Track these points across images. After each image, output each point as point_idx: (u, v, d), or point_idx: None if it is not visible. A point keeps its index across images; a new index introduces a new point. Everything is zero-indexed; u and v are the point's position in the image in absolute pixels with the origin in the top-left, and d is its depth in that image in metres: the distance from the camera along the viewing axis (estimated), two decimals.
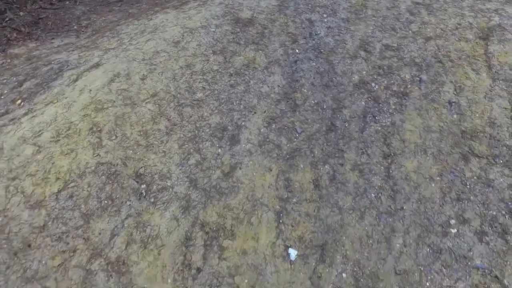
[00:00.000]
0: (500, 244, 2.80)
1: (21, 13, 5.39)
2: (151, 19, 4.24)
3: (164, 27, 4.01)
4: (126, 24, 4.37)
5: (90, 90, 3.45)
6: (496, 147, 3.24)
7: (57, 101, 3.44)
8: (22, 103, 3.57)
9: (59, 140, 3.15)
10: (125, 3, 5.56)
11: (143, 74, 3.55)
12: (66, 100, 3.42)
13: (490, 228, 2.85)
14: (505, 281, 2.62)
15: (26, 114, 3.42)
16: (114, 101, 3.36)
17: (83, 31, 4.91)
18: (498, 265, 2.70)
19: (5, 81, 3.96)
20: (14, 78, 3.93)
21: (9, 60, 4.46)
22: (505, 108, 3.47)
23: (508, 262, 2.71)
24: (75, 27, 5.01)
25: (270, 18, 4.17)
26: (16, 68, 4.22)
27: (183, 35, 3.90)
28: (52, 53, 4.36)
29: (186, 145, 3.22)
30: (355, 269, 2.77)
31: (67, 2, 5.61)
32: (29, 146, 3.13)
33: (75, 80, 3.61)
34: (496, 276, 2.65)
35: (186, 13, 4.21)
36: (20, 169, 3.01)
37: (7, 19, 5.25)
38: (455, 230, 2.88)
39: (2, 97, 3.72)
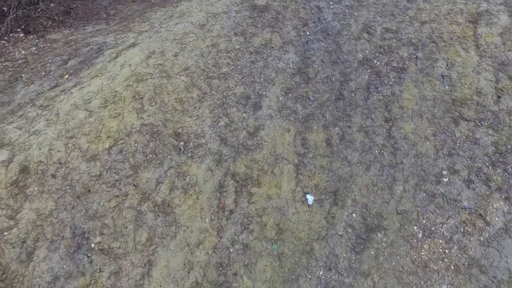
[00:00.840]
0: (484, 189, 3.30)
1: (52, 4, 5.85)
2: (177, 6, 4.71)
3: (190, 13, 4.49)
4: (153, 11, 4.84)
5: (130, 65, 3.92)
6: (482, 112, 3.74)
7: (101, 75, 3.91)
8: (69, 77, 4.04)
9: (107, 106, 3.62)
10: None
11: (175, 52, 4.03)
12: (109, 73, 3.89)
13: (476, 177, 3.35)
14: (488, 218, 3.12)
15: (74, 86, 3.88)
16: (152, 74, 3.84)
17: (111, 19, 5.37)
18: (482, 206, 3.20)
19: (50, 60, 4.43)
20: (59, 58, 4.40)
21: (49, 44, 4.93)
22: (490, 80, 3.97)
23: (490, 203, 3.21)
24: (104, 15, 5.47)
25: (283, 5, 4.66)
26: (57, 50, 4.69)
27: (207, 19, 4.38)
28: (88, 37, 4.83)
29: (216, 110, 3.70)
30: (363, 210, 3.26)
31: None
32: (81, 111, 3.60)
33: (115, 57, 4.08)
34: (480, 214, 3.15)
35: (208, 0, 4.69)
36: (75, 129, 3.49)
37: (39, 9, 5.72)
38: (447, 179, 3.38)
39: (51, 73, 4.20)
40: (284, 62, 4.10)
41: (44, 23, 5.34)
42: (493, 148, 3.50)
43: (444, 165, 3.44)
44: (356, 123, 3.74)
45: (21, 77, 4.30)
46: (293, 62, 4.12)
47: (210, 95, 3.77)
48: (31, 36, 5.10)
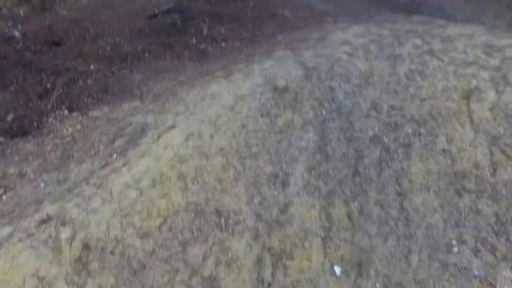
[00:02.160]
0: (491, 258, 3.70)
1: (89, 81, 6.42)
2: (207, 88, 5.25)
3: (220, 95, 5.02)
4: (185, 92, 5.38)
5: (172, 147, 4.39)
6: (481, 184, 4.20)
7: (147, 156, 4.37)
8: (118, 157, 4.50)
9: (155, 185, 4.06)
10: (173, 71, 6.60)
11: (211, 134, 4.52)
12: (154, 154, 4.36)
13: (482, 246, 3.76)
14: (498, 286, 3.51)
15: (123, 165, 4.33)
16: (192, 155, 4.31)
17: (145, 96, 5.91)
18: (491, 274, 3.59)
19: (97, 139, 4.91)
20: (105, 137, 4.88)
21: (92, 122, 5.43)
22: (486, 154, 4.45)
23: (498, 272, 3.60)
24: (138, 92, 6.02)
25: (300, 86, 5.21)
26: (101, 128, 5.17)
27: (236, 101, 4.91)
28: (127, 115, 5.33)
29: (250, 189, 4.14)
30: (385, 280, 3.64)
31: (125, 71, 6.66)
32: (133, 190, 4.03)
33: (158, 139, 4.56)
34: (491, 283, 3.53)
35: (235, 83, 5.24)
36: (129, 208, 3.90)
37: (77, 86, 6.28)
38: (457, 249, 3.78)
39: (100, 152, 4.66)
40: (305, 141, 4.59)
41: (85, 100, 5.86)
42: (495, 218, 3.93)
43: (453, 235, 3.86)
44: (372, 197, 4.18)
45: (73, 155, 4.76)
46: (313, 141, 4.61)
47: (244, 174, 4.23)
48: (75, 114, 5.61)
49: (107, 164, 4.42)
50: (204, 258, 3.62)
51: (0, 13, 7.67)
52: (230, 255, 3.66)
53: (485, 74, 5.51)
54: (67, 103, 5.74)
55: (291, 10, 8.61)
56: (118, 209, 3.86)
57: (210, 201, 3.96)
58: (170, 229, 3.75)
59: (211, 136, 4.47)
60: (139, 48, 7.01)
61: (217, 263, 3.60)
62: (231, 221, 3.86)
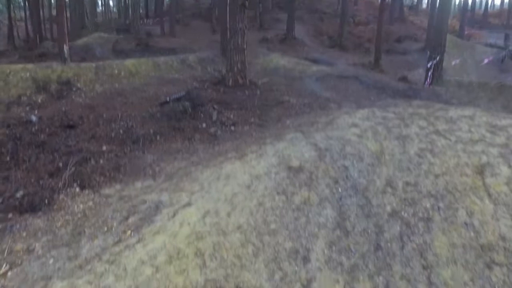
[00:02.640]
0: None
1: (101, 161, 6.72)
2: (221, 168, 5.53)
3: (235, 175, 5.28)
4: (199, 171, 5.65)
5: (189, 224, 4.50)
6: (511, 257, 4.25)
7: (163, 232, 4.46)
8: (132, 234, 4.58)
9: (172, 262, 4.07)
10: (184, 152, 6.97)
11: (228, 211, 4.67)
12: (170, 231, 4.45)
13: None
14: None
15: (138, 242, 4.39)
16: (210, 232, 4.40)
17: (157, 176, 6.16)
18: None
19: (110, 216, 5.02)
20: (118, 214, 4.99)
21: (104, 199, 5.59)
22: (510, 226, 4.57)
23: None
24: (150, 172, 6.28)
25: (314, 166, 5.50)
26: (113, 206, 5.31)
27: (251, 181, 5.15)
28: (140, 193, 5.52)
29: (271, 264, 4.16)
30: None
31: (137, 152, 7.01)
32: (148, 267, 4.04)
33: (173, 216, 4.68)
34: None
35: (249, 163, 5.54)
36: (144, 285, 3.87)
37: (89, 165, 6.54)
38: None
39: (113, 229, 4.74)
40: (324, 218, 4.72)
41: (97, 179, 6.08)
42: None
43: None
44: (397, 271, 4.18)
45: (84, 231, 4.82)
46: (331, 217, 4.74)
47: (263, 250, 4.27)
48: (87, 191, 5.79)
49: (120, 240, 4.48)
50: None
51: (20, 100, 8.30)
52: None
53: (494, 151, 5.87)
54: (78, 181, 5.97)
55: (296, 97, 9.36)
56: (133, 286, 3.83)
57: (229, 278, 3.96)
58: None
59: (228, 214, 4.61)
60: (151, 131, 7.48)
61: None
62: None
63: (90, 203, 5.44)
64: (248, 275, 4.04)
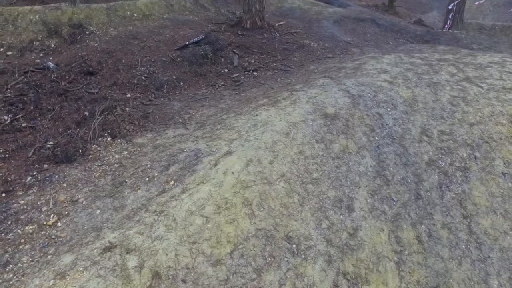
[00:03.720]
0: None
1: (127, 109, 6.56)
2: (256, 115, 5.41)
3: (272, 122, 5.17)
4: (233, 119, 5.53)
5: (233, 173, 4.47)
6: None
7: (207, 182, 4.44)
8: (175, 184, 4.56)
9: (221, 212, 4.10)
10: (211, 99, 6.80)
11: (270, 159, 4.62)
12: (214, 180, 4.43)
13: None
14: None
15: (183, 192, 4.39)
16: (255, 181, 4.39)
17: (187, 123, 6.04)
18: None
19: (149, 166, 4.98)
20: (157, 164, 4.95)
21: (138, 148, 5.51)
22: None
23: None
24: (180, 120, 6.16)
25: (349, 113, 5.40)
26: (150, 155, 5.25)
27: (289, 128, 5.06)
28: (175, 142, 5.44)
29: (317, 214, 4.20)
30: None
31: (162, 99, 6.83)
32: (198, 217, 4.07)
33: (215, 165, 4.64)
34: None
35: (284, 110, 5.41)
36: (196, 235, 3.92)
37: (116, 113, 6.39)
38: None
39: (155, 179, 4.72)
40: (363, 166, 4.70)
41: (127, 127, 5.96)
42: None
43: None
44: (438, 220, 4.26)
45: (126, 182, 4.80)
46: (371, 166, 4.73)
47: (308, 200, 4.30)
48: (119, 140, 5.69)
49: (164, 191, 4.47)
50: (280, 284, 3.62)
51: (32, 46, 7.91)
52: (306, 281, 3.67)
53: None
54: (109, 130, 5.84)
55: (317, 41, 9.01)
56: (185, 236, 3.88)
57: (278, 227, 4.00)
58: (242, 255, 3.76)
59: (271, 162, 4.57)
60: (174, 77, 7.24)
61: None
62: (302, 247, 3.89)
63: (125, 153, 5.36)
64: (296, 224, 4.09)
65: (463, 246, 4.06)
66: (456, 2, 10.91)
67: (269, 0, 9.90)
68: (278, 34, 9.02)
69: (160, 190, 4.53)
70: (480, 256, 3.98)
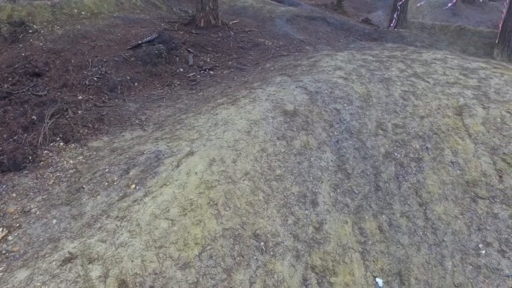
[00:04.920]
0: None
1: (80, 112, 6.24)
2: (216, 114, 5.35)
3: (233, 121, 5.13)
4: (193, 118, 5.43)
5: (196, 173, 4.39)
6: (492, 191, 4.63)
7: (170, 183, 4.32)
8: (136, 187, 4.40)
9: (187, 214, 4.01)
10: (168, 99, 6.64)
11: (233, 158, 4.58)
12: (178, 182, 4.32)
13: (506, 247, 4.11)
14: None
15: (145, 195, 4.24)
16: (219, 180, 4.33)
17: (145, 125, 5.85)
18: None
19: (107, 170, 4.76)
20: (116, 167, 4.74)
21: (94, 152, 5.26)
22: (489, 163, 4.94)
23: None
24: (137, 121, 5.95)
25: (308, 109, 5.48)
26: (107, 159, 5.03)
27: (250, 126, 5.04)
28: (134, 144, 5.24)
29: (282, 210, 4.22)
30: (426, 286, 3.84)
31: (117, 100, 6.57)
32: (163, 221, 3.95)
33: (178, 166, 4.53)
34: None
35: (244, 108, 5.39)
36: (162, 239, 3.81)
37: (68, 116, 6.07)
38: (484, 251, 4.10)
39: (115, 183, 4.52)
40: (325, 161, 4.79)
41: (81, 131, 5.67)
42: (510, 221, 4.33)
43: (478, 239, 4.19)
44: (397, 209, 4.44)
45: (83, 188, 4.56)
46: (331, 161, 4.83)
47: (273, 196, 4.31)
48: (72, 145, 5.40)
49: (125, 195, 4.30)
50: (251, 283, 3.61)
51: None
52: (276, 277, 3.68)
53: (469, 93, 6.16)
54: (60, 135, 5.53)
55: (271, 39, 9.06)
56: (151, 241, 3.76)
57: (246, 225, 3.98)
58: (210, 257, 3.70)
59: (234, 161, 4.53)
60: (128, 77, 6.98)
61: (265, 287, 3.59)
62: (270, 244, 3.90)
63: (80, 158, 5.09)
64: (263, 221, 4.09)
65: (421, 232, 4.26)
66: (400, 2, 11.43)
67: None
68: (232, 33, 8.96)
69: (121, 194, 4.35)
70: (435, 241, 4.19)
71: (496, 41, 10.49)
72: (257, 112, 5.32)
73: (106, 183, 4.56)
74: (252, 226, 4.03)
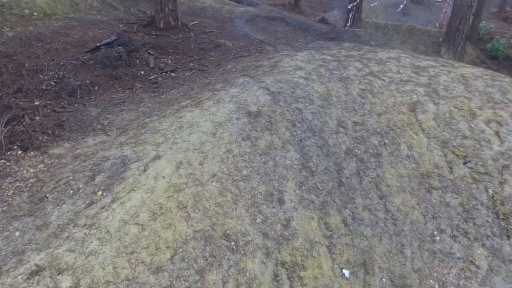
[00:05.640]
0: (466, 241, 4.40)
1: (37, 118, 6.05)
2: (181, 116, 5.37)
3: (198, 123, 5.18)
4: (157, 122, 5.42)
5: (164, 177, 4.41)
6: (444, 181, 4.99)
7: (138, 188, 4.32)
8: (103, 194, 4.35)
9: (156, 218, 4.03)
10: (130, 103, 6.56)
11: (200, 161, 4.64)
12: (146, 186, 4.32)
13: (457, 232, 4.46)
14: (477, 263, 4.18)
15: (113, 201, 4.21)
16: (187, 183, 4.38)
17: (108, 129, 5.77)
18: (470, 254, 4.27)
19: (71, 177, 4.67)
20: (81, 174, 4.66)
21: (56, 160, 5.13)
22: (441, 156, 5.30)
23: (474, 251, 4.30)
24: (99, 126, 5.85)
25: (271, 110, 5.62)
26: (71, 166, 4.92)
27: (216, 128, 5.11)
28: (98, 150, 5.16)
29: (251, 209, 4.34)
30: (389, 274, 4.10)
31: (77, 105, 6.41)
32: (133, 226, 3.95)
33: (145, 170, 4.52)
34: (471, 261, 4.20)
35: (209, 110, 5.45)
36: (133, 244, 3.81)
37: (25, 123, 5.87)
38: (438, 238, 4.42)
39: (81, 191, 4.44)
40: (289, 160, 4.96)
41: (40, 138, 5.50)
42: (461, 208, 4.69)
43: (433, 226, 4.50)
44: (360, 203, 4.68)
45: (46, 197, 4.45)
46: (296, 159, 5.00)
47: (241, 197, 4.42)
48: (32, 153, 5.24)
49: (92, 202, 4.25)
50: (224, 282, 3.70)
51: None
52: (248, 275, 3.79)
53: (420, 90, 6.55)
54: (18, 143, 5.34)
55: (232, 40, 9.13)
56: (122, 247, 3.76)
57: (216, 226, 4.06)
58: (183, 259, 3.75)
59: (201, 163, 4.59)
60: (87, 81, 6.83)
61: (238, 286, 3.70)
62: (240, 243, 4.00)
63: (41, 166, 4.95)
64: (233, 221, 4.19)
65: (382, 224, 4.52)
66: (355, 3, 11.86)
67: None
68: (193, 34, 8.95)
69: (87, 202, 4.29)
70: (396, 231, 4.47)
71: (441, 40, 11.16)
72: (222, 114, 5.39)
73: (71, 191, 4.47)
74: (222, 226, 4.11)
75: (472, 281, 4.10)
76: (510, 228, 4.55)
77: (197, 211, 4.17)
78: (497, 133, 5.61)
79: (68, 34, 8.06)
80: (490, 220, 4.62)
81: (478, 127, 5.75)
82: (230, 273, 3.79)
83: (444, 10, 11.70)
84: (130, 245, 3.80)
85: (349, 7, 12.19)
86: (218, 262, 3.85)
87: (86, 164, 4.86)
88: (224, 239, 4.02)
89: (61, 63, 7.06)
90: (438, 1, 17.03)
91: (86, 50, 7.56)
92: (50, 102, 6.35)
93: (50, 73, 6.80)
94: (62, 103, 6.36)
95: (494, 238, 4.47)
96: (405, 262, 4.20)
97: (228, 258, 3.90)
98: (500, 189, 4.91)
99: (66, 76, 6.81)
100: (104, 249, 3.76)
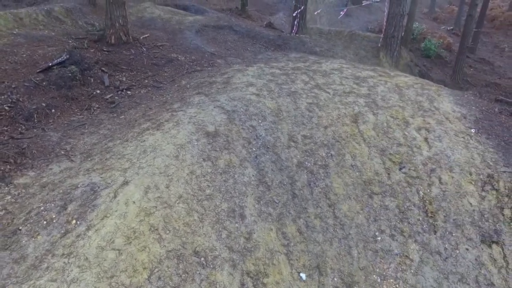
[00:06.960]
0: (402, 239, 5.28)
1: None
2: (143, 140, 5.81)
3: (161, 146, 5.66)
4: (121, 146, 5.83)
5: (134, 202, 4.87)
6: (383, 187, 5.86)
7: (110, 215, 4.75)
8: (77, 222, 4.74)
9: (131, 242, 4.50)
10: (89, 125, 6.86)
11: (166, 184, 5.15)
12: (118, 212, 4.77)
13: (395, 232, 5.33)
14: (411, 257, 5.07)
15: (88, 229, 4.62)
16: (156, 206, 4.87)
17: (72, 155, 6.07)
18: (405, 250, 5.15)
19: (42, 208, 4.99)
20: (52, 204, 4.99)
21: (23, 190, 5.39)
22: (380, 163, 6.17)
23: (409, 247, 5.19)
24: (62, 152, 6.13)
25: (227, 129, 6.21)
26: (40, 196, 5.22)
27: (178, 150, 5.62)
28: (65, 178, 5.49)
29: (216, 226, 4.93)
30: (339, 273, 4.87)
31: (35, 130, 6.62)
32: (110, 251, 4.40)
33: (115, 196, 4.95)
34: (406, 256, 5.08)
35: (169, 133, 5.93)
36: (112, 269, 4.27)
37: None
38: (380, 238, 5.26)
39: (54, 221, 4.79)
40: (247, 177, 5.59)
41: (2, 168, 5.70)
42: (397, 210, 5.57)
43: (374, 228, 5.34)
44: (312, 212, 5.42)
45: (19, 229, 4.75)
46: (253, 175, 5.64)
47: (206, 215, 4.99)
48: None
49: (67, 231, 4.62)
50: None
51: None
52: (218, 287, 4.38)
53: (361, 101, 7.42)
54: None
55: (183, 54, 9.55)
56: (102, 272, 4.20)
57: (186, 245, 4.61)
58: (159, 278, 4.27)
59: (167, 186, 5.10)
60: (43, 104, 7.02)
61: None
62: (209, 258, 4.58)
63: (8, 198, 5.20)
64: (201, 239, 4.75)
65: (332, 230, 5.29)
66: (300, 10, 12.65)
67: (128, 10, 9.98)
68: (144, 49, 9.27)
69: (62, 231, 4.65)
70: (343, 234, 5.25)
71: (379, 45, 12.29)
72: (182, 136, 5.90)
73: (45, 222, 4.80)
74: (191, 244, 4.67)
75: (407, 273, 4.98)
76: (437, 224, 5.50)
77: (168, 232, 4.69)
78: (426, 139, 6.59)
79: (16, 53, 8.09)
80: (421, 219, 5.55)
81: (411, 135, 6.70)
82: (203, 286, 4.37)
83: (385, 11, 12.78)
84: (109, 269, 4.25)
85: (294, 14, 12.96)
86: (191, 277, 4.41)
87: (55, 193, 5.19)
88: (194, 256, 4.58)
89: (13, 86, 7.16)
90: (377, 1, 18.39)
91: (38, 71, 7.68)
92: (6, 128, 6.49)
93: (3, 96, 6.90)
94: (20, 129, 6.52)
95: (424, 234, 5.40)
96: (352, 262, 5.00)
97: (199, 273, 4.46)
98: (428, 190, 5.87)
99: (20, 99, 6.95)
100: (85, 275, 4.18)
